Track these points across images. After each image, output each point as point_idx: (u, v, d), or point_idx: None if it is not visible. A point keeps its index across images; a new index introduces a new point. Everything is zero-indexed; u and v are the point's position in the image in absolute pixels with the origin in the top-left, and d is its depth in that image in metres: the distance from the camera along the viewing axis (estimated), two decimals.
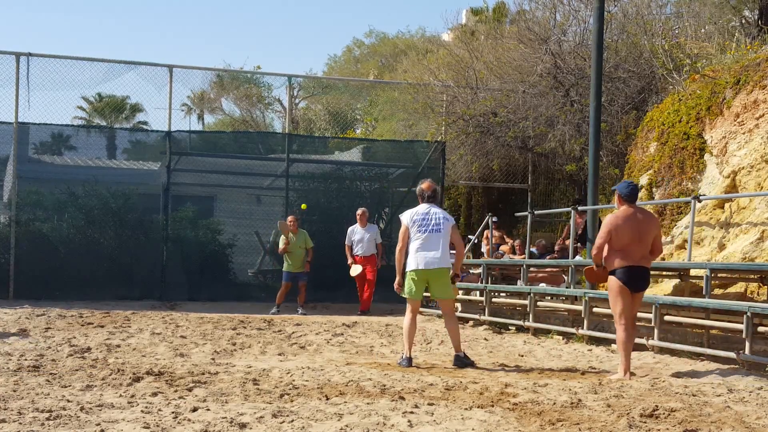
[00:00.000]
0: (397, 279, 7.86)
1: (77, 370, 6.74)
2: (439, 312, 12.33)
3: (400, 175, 16.60)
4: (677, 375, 7.04)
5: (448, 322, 7.80)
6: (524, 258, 12.63)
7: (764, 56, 10.66)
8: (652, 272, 10.05)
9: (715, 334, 8.21)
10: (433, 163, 16.04)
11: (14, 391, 5.74)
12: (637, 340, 8.53)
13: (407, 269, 7.74)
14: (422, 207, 7.82)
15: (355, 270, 13.35)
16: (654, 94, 14.10)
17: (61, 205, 14.46)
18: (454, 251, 8.10)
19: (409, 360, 7.55)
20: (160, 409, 5.24)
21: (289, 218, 13.38)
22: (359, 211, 13.54)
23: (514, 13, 22.54)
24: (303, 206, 13.91)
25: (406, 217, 7.81)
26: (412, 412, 5.28)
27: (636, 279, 6.94)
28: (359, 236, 13.43)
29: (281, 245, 13.18)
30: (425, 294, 8.09)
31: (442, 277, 7.69)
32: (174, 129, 14.96)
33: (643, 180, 11.74)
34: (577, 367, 7.62)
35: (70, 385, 6.02)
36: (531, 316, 10.28)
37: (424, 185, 7.92)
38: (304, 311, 13.08)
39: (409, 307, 7.75)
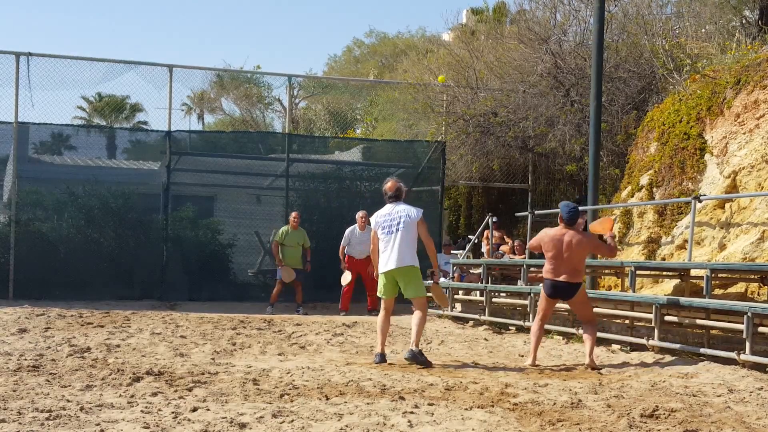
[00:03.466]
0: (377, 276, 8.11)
1: (77, 370, 6.74)
2: (439, 312, 12.37)
3: (400, 175, 16.56)
4: (677, 375, 7.04)
5: (414, 316, 7.75)
6: (524, 258, 12.62)
7: (764, 56, 10.65)
8: (652, 272, 10.15)
9: (715, 335, 8.21)
10: (433, 163, 16.03)
11: (14, 390, 5.73)
12: (638, 340, 8.56)
13: (378, 271, 7.96)
14: (385, 208, 7.94)
15: (346, 278, 13.27)
16: (654, 94, 14.09)
17: (61, 204, 14.45)
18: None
19: (381, 356, 7.63)
20: (159, 409, 5.24)
21: (293, 214, 13.43)
22: (360, 214, 13.36)
23: (515, 13, 22.55)
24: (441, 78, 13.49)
25: (372, 220, 7.99)
26: (412, 412, 5.27)
27: (557, 291, 7.88)
28: (358, 240, 13.34)
29: (276, 248, 13.30)
30: (428, 295, 8.18)
31: (408, 276, 7.75)
32: (174, 129, 14.96)
33: (644, 180, 11.74)
34: (577, 367, 7.62)
35: (69, 385, 6.01)
36: (531, 316, 10.27)
37: (387, 185, 8.00)
38: (305, 311, 13.10)
39: (382, 305, 7.94)
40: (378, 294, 7.97)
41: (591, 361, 7.55)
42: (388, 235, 7.75)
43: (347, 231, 13.51)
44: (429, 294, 8.26)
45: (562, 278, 7.78)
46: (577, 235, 7.90)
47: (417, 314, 7.72)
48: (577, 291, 7.86)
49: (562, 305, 10.69)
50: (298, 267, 13.34)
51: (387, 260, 7.76)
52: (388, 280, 7.82)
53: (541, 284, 8.31)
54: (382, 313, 7.88)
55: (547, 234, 7.91)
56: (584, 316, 7.92)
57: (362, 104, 26.46)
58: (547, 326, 10.12)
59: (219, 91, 31.56)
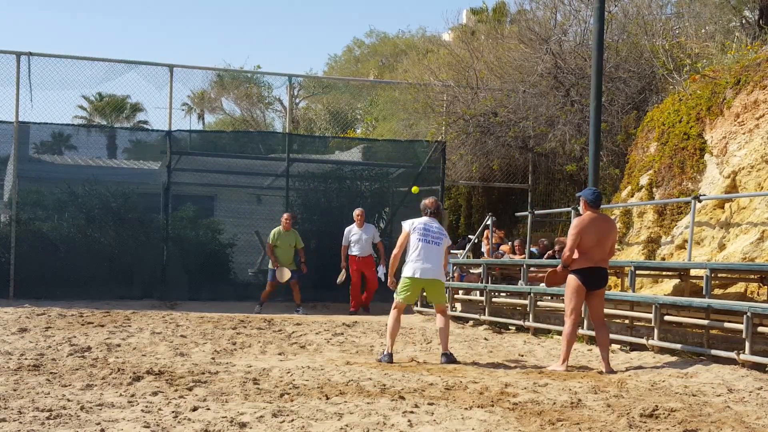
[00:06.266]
0: (390, 279, 8.33)
1: (77, 369, 6.74)
2: None
3: (400, 175, 16.60)
4: (677, 375, 7.04)
5: (438, 320, 8.12)
6: (524, 258, 12.63)
7: (764, 56, 10.66)
8: (652, 272, 10.17)
9: (715, 334, 8.21)
10: (434, 163, 16.03)
11: (14, 390, 5.74)
12: (637, 340, 8.56)
13: (404, 274, 8.05)
14: (423, 218, 8.20)
15: (341, 277, 13.47)
16: (654, 94, 14.10)
17: (61, 204, 14.44)
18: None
19: (390, 356, 7.74)
20: (160, 409, 5.24)
21: (285, 215, 13.47)
22: (357, 212, 13.61)
23: (515, 13, 22.56)
24: (415, 190, 13.63)
25: (407, 223, 8.18)
26: (412, 412, 5.28)
27: (594, 279, 7.55)
28: (356, 237, 13.49)
29: (270, 263, 13.37)
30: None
31: (435, 286, 8.05)
32: (174, 128, 14.94)
33: (644, 180, 11.74)
34: (577, 367, 7.62)
35: (70, 385, 6.02)
36: (531, 315, 10.28)
37: (428, 201, 8.32)
38: (305, 311, 13.12)
39: (395, 306, 8.01)
40: (399, 299, 8.01)
41: (609, 368, 7.36)
42: (427, 244, 7.97)
43: (346, 230, 13.66)
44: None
45: (601, 264, 7.55)
46: (606, 218, 7.80)
47: (441, 320, 8.03)
48: (608, 278, 7.80)
49: (557, 304, 10.73)
50: (291, 268, 13.38)
51: (423, 268, 7.92)
52: (416, 286, 8.03)
53: (543, 283, 8.24)
54: (394, 313, 7.95)
55: (584, 223, 7.49)
56: (600, 315, 7.67)
57: (362, 104, 26.45)
58: (546, 326, 10.16)
59: (219, 91, 31.56)
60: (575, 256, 7.54)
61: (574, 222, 7.68)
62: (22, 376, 6.31)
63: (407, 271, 7.99)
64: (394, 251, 8.17)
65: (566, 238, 7.91)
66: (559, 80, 15.52)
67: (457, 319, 11.86)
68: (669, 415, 5.27)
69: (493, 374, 7.09)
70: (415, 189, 12.56)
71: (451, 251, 15.55)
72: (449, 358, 7.84)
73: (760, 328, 7.23)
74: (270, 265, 13.42)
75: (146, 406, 5.28)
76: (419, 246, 7.95)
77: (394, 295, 8.13)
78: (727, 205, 10.13)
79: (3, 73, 13.93)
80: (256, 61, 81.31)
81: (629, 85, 14.78)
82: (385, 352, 7.81)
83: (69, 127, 16.53)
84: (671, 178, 11.16)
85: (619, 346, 8.74)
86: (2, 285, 13.73)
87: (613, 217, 12.24)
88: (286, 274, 13.20)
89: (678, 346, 8.11)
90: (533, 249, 13.51)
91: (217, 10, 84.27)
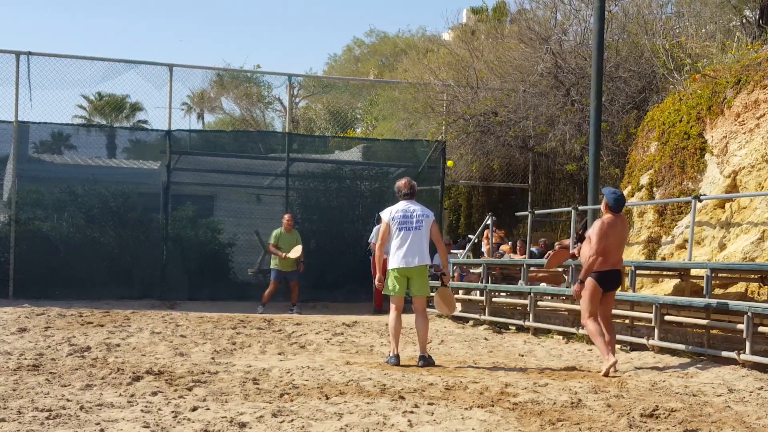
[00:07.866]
0: (378, 276, 8.00)
1: (77, 369, 6.73)
2: (439, 312, 12.35)
3: (400, 174, 16.57)
4: (677, 375, 7.04)
5: (417, 320, 7.77)
6: (524, 258, 12.62)
7: (765, 56, 10.65)
8: (652, 272, 10.17)
9: (715, 334, 8.20)
10: (434, 162, 16.03)
11: (14, 390, 5.73)
12: (638, 340, 8.55)
13: (389, 266, 7.80)
14: (401, 204, 7.86)
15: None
16: (655, 93, 14.09)
17: (60, 204, 14.44)
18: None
19: (397, 357, 7.61)
20: (159, 409, 5.23)
21: (286, 216, 13.44)
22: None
23: (515, 13, 22.55)
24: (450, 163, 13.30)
25: (385, 214, 7.88)
26: (412, 412, 5.27)
27: (610, 281, 7.54)
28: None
29: (272, 261, 13.33)
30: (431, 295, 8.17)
31: (421, 275, 7.78)
32: (174, 128, 14.95)
33: (644, 180, 11.73)
34: (578, 367, 7.62)
35: (69, 385, 6.01)
36: (531, 315, 10.27)
37: (401, 182, 7.98)
38: (299, 310, 13.11)
39: (392, 305, 7.81)
40: (388, 292, 7.83)
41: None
42: (407, 231, 7.67)
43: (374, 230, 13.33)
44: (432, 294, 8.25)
45: (617, 266, 7.56)
46: (624, 221, 7.76)
47: (420, 319, 7.74)
48: (621, 280, 7.81)
49: (557, 304, 10.73)
50: (291, 269, 13.34)
51: (405, 257, 7.65)
52: (402, 277, 7.72)
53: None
54: (394, 313, 7.73)
55: (606, 227, 7.40)
56: (608, 315, 7.63)
57: (362, 104, 26.45)
58: (547, 326, 10.16)
59: (219, 91, 31.55)
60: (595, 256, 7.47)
61: (597, 226, 7.50)
62: (22, 376, 6.30)
63: (392, 263, 7.73)
64: (377, 243, 7.93)
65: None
66: (560, 80, 15.51)
67: (457, 318, 11.85)
68: (669, 415, 5.26)
69: (493, 374, 7.08)
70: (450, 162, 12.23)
71: (452, 251, 15.60)
72: (426, 361, 7.57)
73: (761, 328, 7.22)
74: (272, 265, 13.37)
75: (146, 406, 5.27)
76: (400, 235, 7.67)
77: (384, 291, 7.96)
78: (727, 205, 10.12)
79: (2, 73, 13.96)
80: (255, 61, 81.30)
81: (629, 85, 14.78)
82: (391, 354, 7.65)
83: (68, 126, 16.54)
84: (671, 177, 11.15)
85: (619, 346, 8.72)
86: (2, 285, 13.73)
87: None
88: (297, 251, 13.09)
89: (678, 346, 8.10)
90: (533, 249, 13.50)
91: (216, 10, 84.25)
